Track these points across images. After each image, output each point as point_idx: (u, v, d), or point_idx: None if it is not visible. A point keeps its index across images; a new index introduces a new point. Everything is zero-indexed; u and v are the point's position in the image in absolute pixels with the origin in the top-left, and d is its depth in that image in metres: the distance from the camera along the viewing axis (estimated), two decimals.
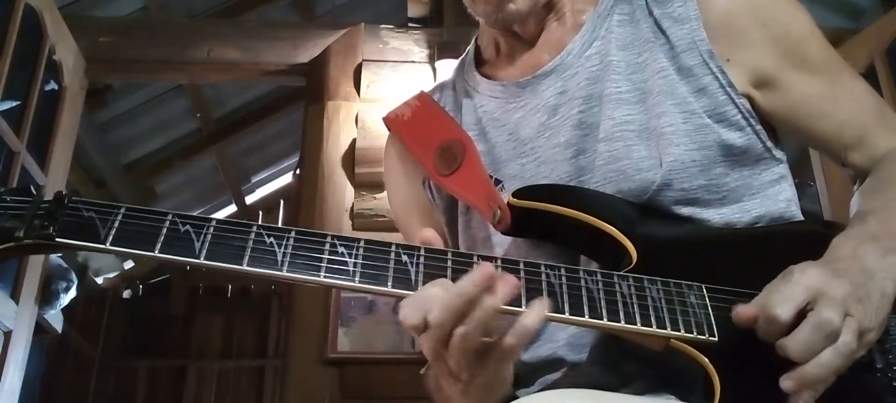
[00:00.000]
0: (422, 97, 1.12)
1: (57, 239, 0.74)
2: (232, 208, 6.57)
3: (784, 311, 0.72)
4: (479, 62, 1.11)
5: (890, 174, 0.94)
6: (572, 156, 0.94)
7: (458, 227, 1.04)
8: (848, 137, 0.98)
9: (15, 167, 2.88)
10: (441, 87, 1.14)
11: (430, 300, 0.72)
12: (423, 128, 1.06)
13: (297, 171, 5.17)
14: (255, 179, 6.45)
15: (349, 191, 3.38)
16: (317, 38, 3.73)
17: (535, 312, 0.74)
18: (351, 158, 3.42)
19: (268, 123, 5.57)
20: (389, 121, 1.11)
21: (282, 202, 6.95)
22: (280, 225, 6.93)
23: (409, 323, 0.72)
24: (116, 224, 0.75)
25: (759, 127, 0.94)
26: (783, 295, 0.73)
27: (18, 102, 2.99)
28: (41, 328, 3.35)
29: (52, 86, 3.27)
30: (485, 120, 1.03)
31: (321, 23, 4.58)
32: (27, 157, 2.96)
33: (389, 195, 1.18)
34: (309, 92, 3.73)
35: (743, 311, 0.76)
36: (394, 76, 3.59)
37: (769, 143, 0.95)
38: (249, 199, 6.65)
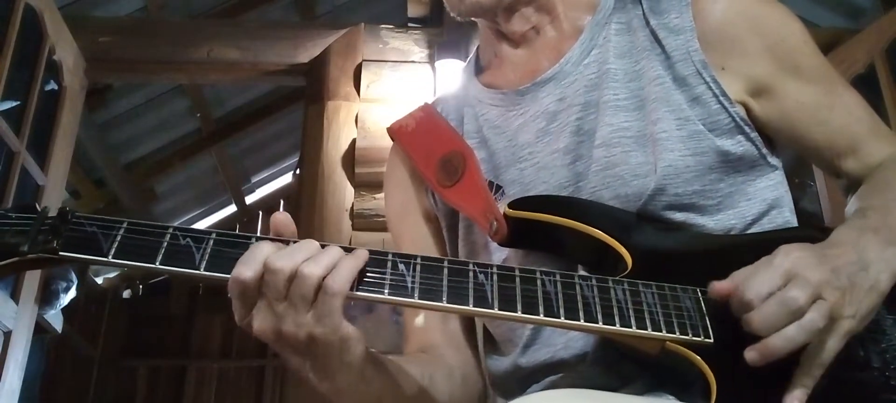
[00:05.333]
0: (426, 109, 1.13)
1: (60, 254, 0.75)
2: (232, 208, 6.57)
3: (753, 294, 0.74)
4: (480, 70, 1.12)
5: (886, 178, 0.95)
6: (570, 162, 0.95)
7: (459, 234, 1.05)
8: (841, 146, 0.99)
9: (15, 167, 2.88)
10: (444, 98, 1.15)
11: (261, 252, 0.74)
12: (426, 140, 1.07)
13: (297, 171, 5.17)
14: (255, 179, 6.45)
15: (349, 190, 3.39)
16: (317, 38, 3.74)
17: (358, 255, 0.76)
18: (351, 158, 3.42)
19: (268, 123, 5.57)
20: (393, 131, 1.13)
21: (282, 202, 6.95)
22: None
23: (245, 277, 0.73)
24: (118, 238, 0.76)
25: (754, 134, 0.94)
26: (758, 279, 0.75)
27: (18, 102, 2.99)
28: (41, 328, 3.36)
29: (52, 86, 3.27)
30: (485, 128, 1.04)
31: (321, 23, 4.58)
32: (27, 157, 2.96)
33: (386, 199, 1.19)
34: (309, 92, 3.74)
35: (718, 286, 0.78)
36: (394, 76, 3.60)
37: (764, 150, 0.96)
38: (249, 199, 6.65)
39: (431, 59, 3.59)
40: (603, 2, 1.03)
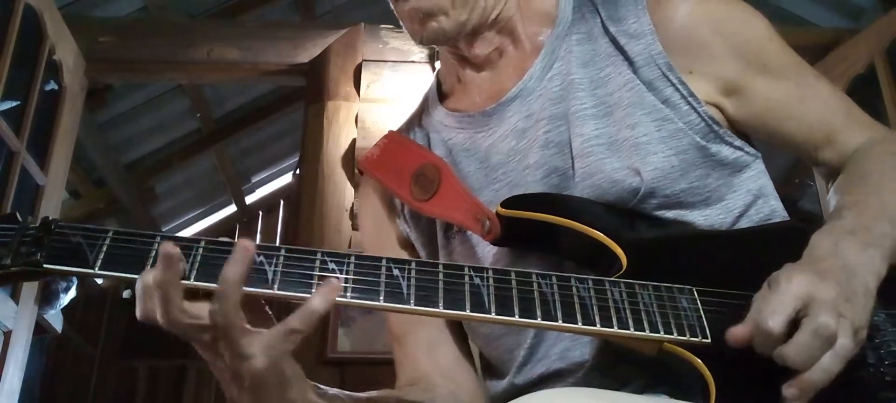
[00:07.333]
0: (390, 135, 1.12)
1: (44, 266, 0.73)
2: (232, 208, 6.57)
3: (776, 323, 0.72)
4: (443, 96, 1.11)
5: (862, 169, 0.95)
6: (543, 177, 0.95)
7: (440, 257, 1.04)
8: (817, 137, 0.99)
9: (15, 167, 2.89)
10: (408, 125, 1.14)
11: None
12: (395, 162, 1.06)
13: (297, 171, 5.17)
14: (255, 179, 6.44)
15: (349, 191, 3.39)
16: (317, 38, 3.74)
17: (322, 294, 0.73)
18: (351, 158, 3.42)
19: (268, 123, 5.56)
20: (362, 163, 1.12)
21: (282, 202, 6.95)
22: (280, 226, 6.85)
23: (142, 319, 0.72)
24: (104, 247, 0.74)
25: (723, 131, 0.95)
26: (773, 307, 0.73)
27: (18, 102, 3.00)
28: (41, 328, 3.36)
29: (52, 86, 3.27)
30: (455, 151, 1.04)
31: (321, 23, 4.58)
32: (27, 157, 2.96)
33: (361, 232, 1.18)
34: (309, 92, 3.74)
35: (737, 332, 0.75)
36: (394, 76, 3.60)
37: (738, 143, 0.96)
38: (249, 199, 6.64)
39: (431, 60, 3.59)
40: (561, 14, 1.03)
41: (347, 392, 0.87)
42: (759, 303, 0.75)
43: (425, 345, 1.03)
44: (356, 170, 3.36)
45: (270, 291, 0.74)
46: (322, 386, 0.82)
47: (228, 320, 0.70)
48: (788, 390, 0.71)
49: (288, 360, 0.74)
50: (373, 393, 0.92)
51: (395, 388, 1.03)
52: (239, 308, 0.71)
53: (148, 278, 0.72)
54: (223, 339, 0.72)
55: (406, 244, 1.09)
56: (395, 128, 1.14)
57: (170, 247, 0.70)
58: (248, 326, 0.72)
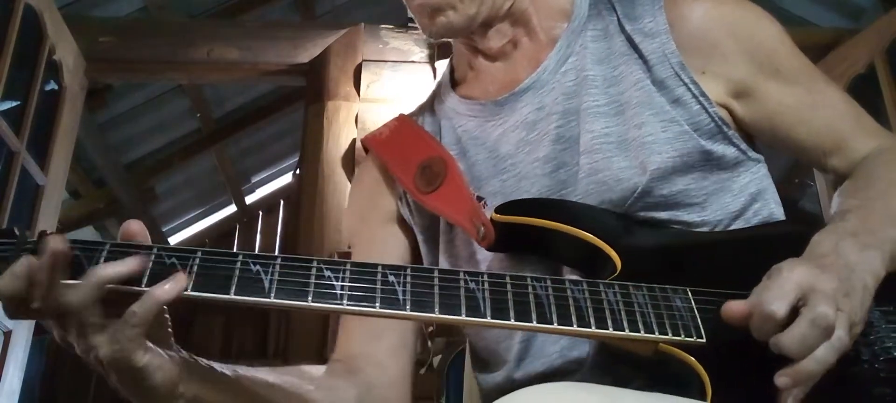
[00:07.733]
0: (401, 118, 1.12)
1: None
2: (232, 208, 6.57)
3: (779, 307, 0.72)
4: (455, 83, 1.11)
5: (868, 175, 0.95)
6: (552, 171, 0.95)
7: (440, 245, 1.04)
8: (826, 144, 0.99)
9: (15, 167, 2.89)
10: (420, 110, 1.14)
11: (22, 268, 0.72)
12: (403, 148, 1.06)
13: (297, 171, 5.17)
14: (255, 179, 6.45)
15: (349, 191, 3.39)
16: (317, 38, 3.74)
17: (169, 286, 0.73)
18: (351, 158, 3.43)
19: (268, 123, 5.57)
20: (367, 140, 1.11)
21: (282, 202, 6.95)
22: (280, 226, 6.83)
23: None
24: (101, 261, 0.74)
25: (732, 132, 0.95)
26: (775, 293, 0.73)
27: (18, 102, 3.00)
28: (41, 328, 3.35)
29: (52, 86, 3.28)
30: (465, 139, 1.04)
31: (321, 23, 4.59)
32: (27, 157, 2.97)
33: (348, 203, 1.17)
34: (309, 92, 3.75)
35: (734, 307, 0.75)
36: (394, 76, 3.61)
37: (744, 146, 0.96)
38: (249, 199, 6.65)
39: (431, 60, 3.60)
40: (577, 10, 1.03)
41: (245, 371, 0.85)
42: (759, 291, 0.75)
43: (368, 328, 1.02)
44: (356, 170, 3.37)
45: (267, 300, 0.74)
46: (218, 367, 0.82)
47: (83, 312, 0.72)
48: (781, 378, 0.71)
49: (138, 348, 0.74)
50: (259, 372, 0.89)
51: (330, 359, 1.02)
52: (95, 302, 0.72)
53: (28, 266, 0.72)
54: (74, 328, 0.73)
55: (397, 221, 1.09)
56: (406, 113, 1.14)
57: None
58: (100, 319, 0.73)
